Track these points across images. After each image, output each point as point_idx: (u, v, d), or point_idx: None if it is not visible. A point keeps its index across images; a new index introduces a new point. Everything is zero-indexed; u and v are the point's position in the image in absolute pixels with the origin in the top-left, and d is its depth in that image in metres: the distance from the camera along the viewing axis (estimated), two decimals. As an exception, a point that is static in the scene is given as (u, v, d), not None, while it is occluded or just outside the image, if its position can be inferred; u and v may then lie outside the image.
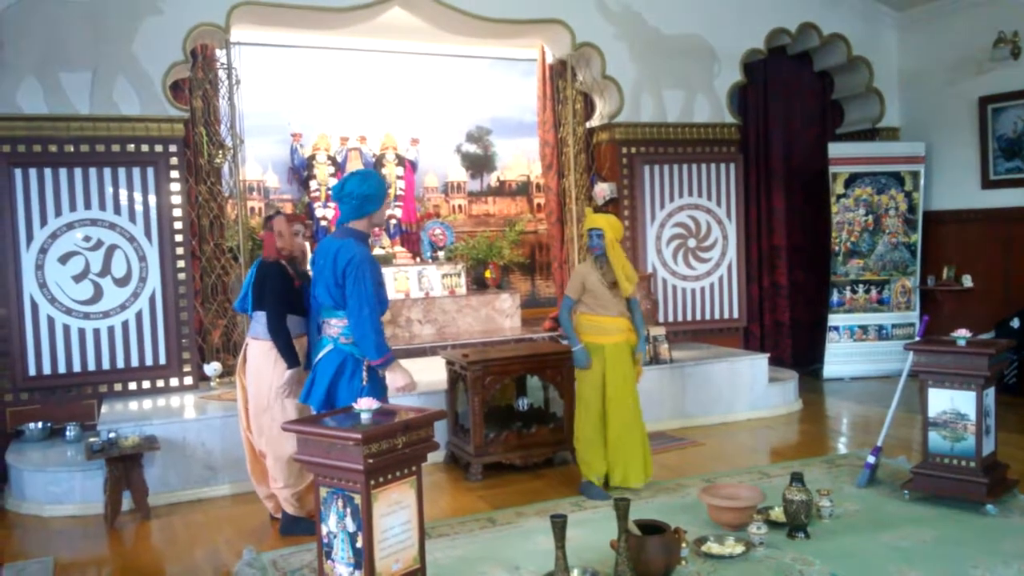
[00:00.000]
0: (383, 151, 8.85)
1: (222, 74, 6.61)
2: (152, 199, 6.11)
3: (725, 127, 7.88)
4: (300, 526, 4.50)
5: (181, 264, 6.20)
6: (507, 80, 9.63)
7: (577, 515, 4.52)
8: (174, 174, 6.18)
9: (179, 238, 6.20)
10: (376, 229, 4.02)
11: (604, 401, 4.92)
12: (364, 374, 3.96)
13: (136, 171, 6.07)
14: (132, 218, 6.06)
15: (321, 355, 4.04)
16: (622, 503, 3.42)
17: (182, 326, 6.19)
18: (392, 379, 4.02)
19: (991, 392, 4.48)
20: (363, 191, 3.98)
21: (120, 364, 6.04)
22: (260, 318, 4.49)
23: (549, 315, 8.48)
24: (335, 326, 4.00)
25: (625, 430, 4.92)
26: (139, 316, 6.08)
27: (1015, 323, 7.09)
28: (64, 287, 5.90)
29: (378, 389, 3.99)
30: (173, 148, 6.18)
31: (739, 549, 3.90)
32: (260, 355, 4.51)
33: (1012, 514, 4.34)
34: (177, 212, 6.20)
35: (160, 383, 6.16)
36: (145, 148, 6.10)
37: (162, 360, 6.14)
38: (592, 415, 4.93)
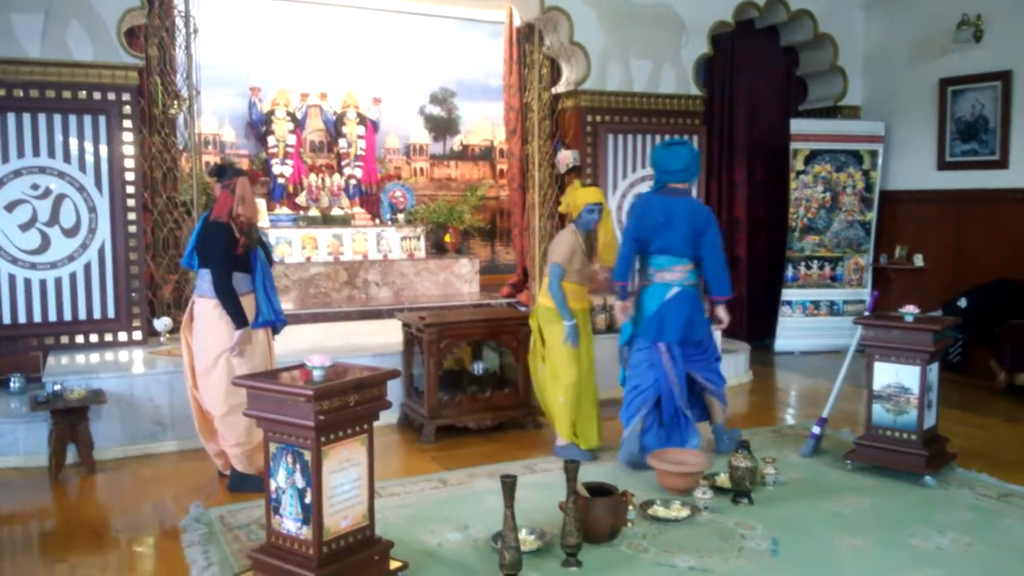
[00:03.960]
0: (344, 109, 8.71)
1: (179, 22, 6.40)
2: (104, 148, 5.94)
3: (690, 99, 7.88)
4: (249, 483, 4.46)
5: (132, 216, 6.04)
6: (473, 42, 9.51)
7: (528, 477, 4.55)
8: (127, 123, 6.01)
9: (131, 190, 6.04)
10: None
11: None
12: (708, 308, 4.68)
13: (88, 119, 5.89)
14: (82, 167, 5.89)
15: (668, 296, 4.62)
16: (572, 465, 3.45)
17: (132, 280, 6.06)
18: (721, 314, 4.73)
19: (935, 367, 4.59)
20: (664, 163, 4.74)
21: (67, 316, 5.90)
22: (206, 275, 4.39)
23: (508, 281, 8.49)
24: (679, 271, 4.63)
25: (595, 391, 5.09)
26: (87, 268, 5.94)
27: (962, 302, 7.24)
28: (10, 235, 5.73)
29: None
30: (127, 96, 6.00)
31: (684, 513, 3.97)
32: (206, 313, 4.41)
33: (949, 486, 4.47)
34: (129, 163, 6.03)
35: (108, 337, 6.03)
36: (97, 95, 5.91)
37: (111, 314, 6.02)
38: (576, 376, 4.91)
